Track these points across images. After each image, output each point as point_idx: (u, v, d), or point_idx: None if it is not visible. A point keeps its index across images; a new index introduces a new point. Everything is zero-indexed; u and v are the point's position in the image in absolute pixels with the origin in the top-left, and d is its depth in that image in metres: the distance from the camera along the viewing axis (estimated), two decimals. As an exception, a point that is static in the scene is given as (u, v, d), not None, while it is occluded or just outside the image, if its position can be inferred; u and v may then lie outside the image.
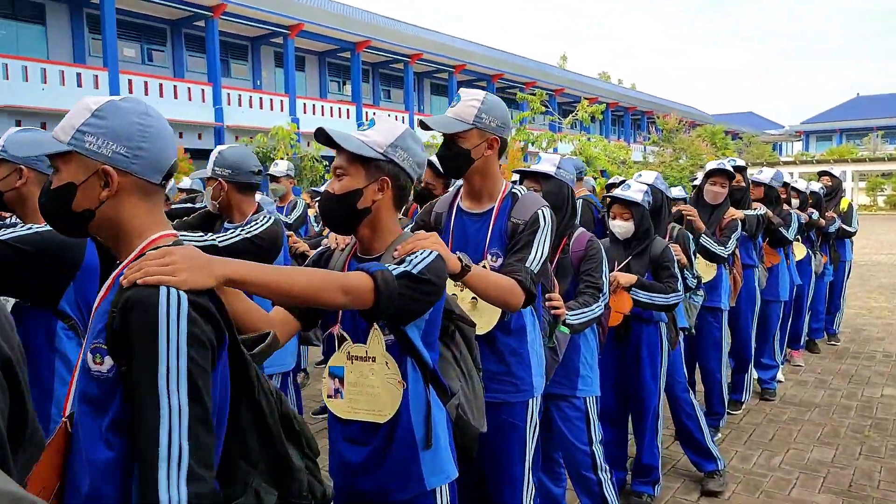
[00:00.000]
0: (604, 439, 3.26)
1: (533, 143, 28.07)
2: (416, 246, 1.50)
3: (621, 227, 3.02)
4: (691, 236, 3.44)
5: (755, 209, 4.27)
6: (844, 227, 6.10)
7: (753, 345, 4.51)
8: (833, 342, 6.39)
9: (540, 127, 33.94)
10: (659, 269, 2.99)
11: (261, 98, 22.78)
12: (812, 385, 5.08)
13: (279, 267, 1.33)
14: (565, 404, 2.53)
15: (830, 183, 6.26)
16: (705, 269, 3.88)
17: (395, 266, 1.42)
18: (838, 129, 58.44)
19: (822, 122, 60.81)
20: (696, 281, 3.38)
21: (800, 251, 5.53)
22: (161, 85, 19.76)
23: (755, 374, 4.87)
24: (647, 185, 3.41)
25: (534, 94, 27.92)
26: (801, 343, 5.73)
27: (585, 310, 2.38)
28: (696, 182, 4.41)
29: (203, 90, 20.88)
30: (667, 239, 3.43)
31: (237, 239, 2.36)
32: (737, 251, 4.07)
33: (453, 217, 2.08)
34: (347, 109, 26.00)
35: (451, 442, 1.60)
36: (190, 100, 20.44)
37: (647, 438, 3.16)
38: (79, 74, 18.01)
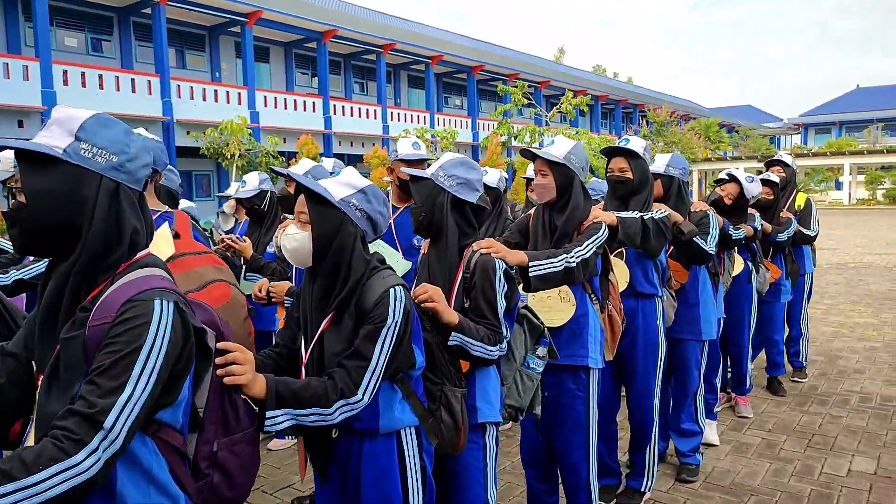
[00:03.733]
0: None
1: (516, 137, 26.79)
2: None
3: (290, 240, 1.68)
4: (501, 266, 2.06)
5: (657, 210, 2.88)
6: (802, 229, 4.72)
7: (656, 406, 3.12)
8: (797, 378, 5.01)
9: (524, 120, 32.56)
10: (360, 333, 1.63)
11: (216, 90, 21.38)
12: (755, 452, 3.70)
13: None
14: None
15: (783, 174, 4.89)
16: (559, 308, 2.50)
17: None
18: (837, 121, 56.98)
19: (820, 114, 59.36)
20: (502, 345, 2.01)
21: (735, 264, 4.16)
22: (101, 76, 18.38)
23: (672, 443, 3.51)
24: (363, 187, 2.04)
25: (515, 87, 26.65)
26: (748, 386, 4.35)
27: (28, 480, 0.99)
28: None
29: (150, 81, 19.49)
30: (460, 268, 2.06)
31: None
32: (613, 278, 2.68)
33: None
34: (314, 103, 24.59)
35: None
36: (134, 92, 19.08)
37: None
38: (6, 64, 16.59)
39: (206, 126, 18.63)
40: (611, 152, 2.99)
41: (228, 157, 18.50)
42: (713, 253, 3.17)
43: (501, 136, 26.93)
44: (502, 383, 2.19)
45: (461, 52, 30.57)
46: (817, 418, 4.20)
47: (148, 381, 1.11)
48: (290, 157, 20.85)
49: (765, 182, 4.53)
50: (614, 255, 2.96)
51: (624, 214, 2.71)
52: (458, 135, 25.18)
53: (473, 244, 2.09)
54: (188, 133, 19.72)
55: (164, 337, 1.14)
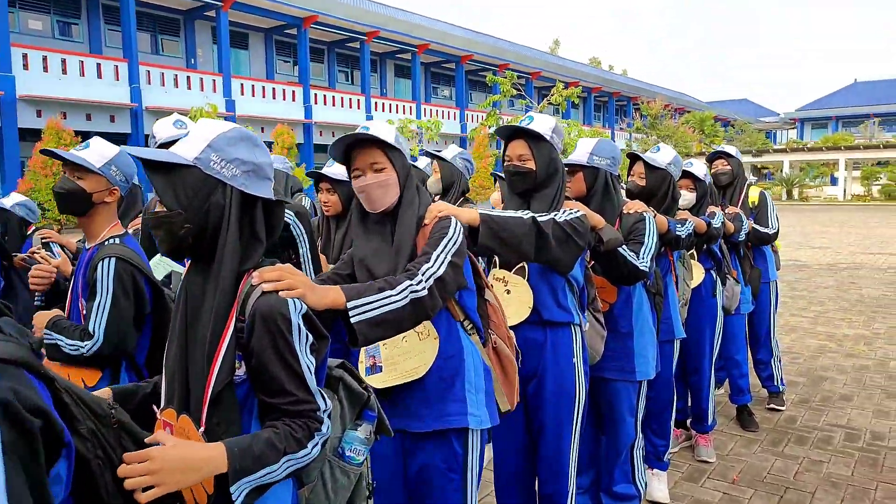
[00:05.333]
0: None
1: (504, 129, 25.96)
2: None
3: None
4: (298, 308, 1.32)
5: (567, 210, 2.14)
6: (758, 227, 4.01)
7: (572, 470, 2.39)
8: (774, 406, 4.30)
9: (514, 112, 31.75)
10: None
11: (188, 77, 20.58)
12: (713, 513, 2.99)
13: None
14: None
15: (727, 167, 4.14)
16: (418, 349, 1.77)
17: None
18: (834, 115, 56.29)
19: (817, 108, 58.64)
20: (322, 430, 1.31)
21: (695, 274, 3.44)
22: (64, 60, 17.55)
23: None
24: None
25: (505, 77, 25.88)
26: (710, 423, 3.63)
27: None
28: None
29: (117, 67, 18.65)
30: (233, 311, 1.34)
31: None
32: (490, 296, 1.94)
33: None
34: (294, 91, 23.79)
35: None
36: (100, 77, 18.24)
37: None
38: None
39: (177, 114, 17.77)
40: (509, 135, 2.25)
41: (198, 146, 17.69)
42: (647, 269, 2.42)
43: (490, 127, 26.15)
44: (301, 484, 1.46)
45: (449, 41, 29.75)
46: (793, 464, 3.48)
47: None
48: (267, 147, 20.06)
49: (685, 175, 3.72)
50: (514, 272, 2.23)
51: (503, 213, 1.99)
52: (441, 125, 24.43)
53: (254, 273, 1.35)
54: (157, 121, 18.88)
55: None
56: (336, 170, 2.81)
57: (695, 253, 3.55)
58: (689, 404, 3.77)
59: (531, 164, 2.17)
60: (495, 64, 31.76)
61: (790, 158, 37.39)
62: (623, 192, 2.86)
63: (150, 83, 19.39)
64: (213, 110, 17.47)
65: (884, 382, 4.83)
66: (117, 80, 18.63)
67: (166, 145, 2.64)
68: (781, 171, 37.76)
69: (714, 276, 3.57)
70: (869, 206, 31.36)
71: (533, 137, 2.17)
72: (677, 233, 2.88)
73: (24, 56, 16.83)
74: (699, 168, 3.52)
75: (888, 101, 53.09)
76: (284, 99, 23.39)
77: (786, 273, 10.38)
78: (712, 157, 4.22)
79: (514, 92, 26.47)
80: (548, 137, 2.17)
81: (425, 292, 1.59)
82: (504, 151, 2.25)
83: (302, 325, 1.32)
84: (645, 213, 2.53)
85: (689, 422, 3.78)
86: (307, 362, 1.30)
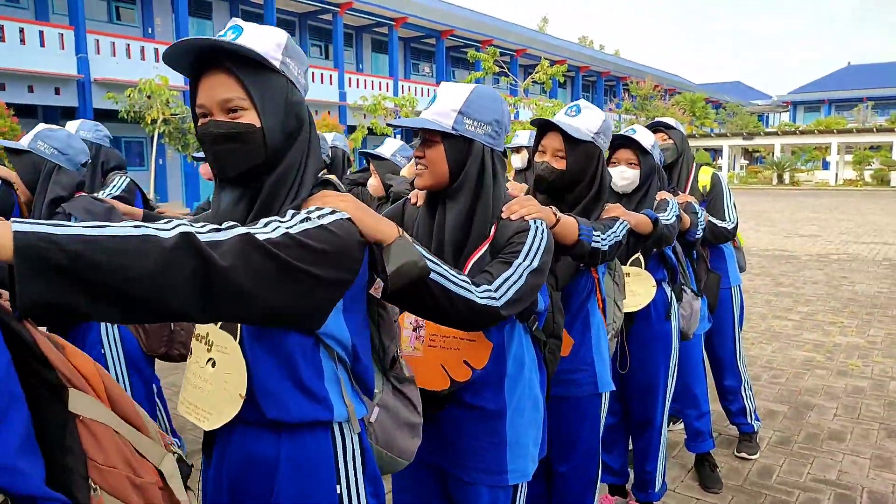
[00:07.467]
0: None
1: (487, 108, 24.73)
2: None
3: None
4: None
5: (321, 208, 1.10)
6: (713, 220, 3.03)
7: None
8: (745, 454, 3.30)
9: (498, 90, 30.58)
10: None
11: (142, 47, 19.20)
12: None
13: None
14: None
15: (669, 140, 3.07)
16: None
17: None
18: (827, 99, 55.33)
19: (810, 91, 57.64)
20: None
21: (643, 289, 2.44)
22: (1, 27, 16.16)
23: None
24: None
25: (487, 53, 24.65)
26: (657, 489, 2.63)
27: None
28: None
29: (62, 35, 17.29)
30: None
31: None
32: (94, 422, 0.91)
33: None
34: (260, 64, 22.41)
35: None
36: (43, 46, 16.87)
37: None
38: None
39: (127, 87, 16.53)
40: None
41: (149, 121, 16.46)
42: (499, 306, 1.29)
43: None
44: None
45: (428, 15, 28.38)
46: (763, 551, 2.49)
47: None
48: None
49: (625, 144, 2.65)
50: (221, 327, 1.16)
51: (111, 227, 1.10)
52: (417, 103, 23.17)
53: None
54: (108, 94, 17.61)
55: None
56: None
57: (642, 259, 2.52)
58: (629, 458, 2.78)
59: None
60: (478, 40, 30.47)
61: (782, 142, 36.46)
62: (510, 183, 1.86)
63: (99, 53, 18.06)
64: (164, 82, 16.19)
65: (883, 413, 3.85)
66: (63, 49, 17.28)
67: None
68: (773, 154, 36.81)
69: (668, 291, 2.54)
70: (861, 190, 30.49)
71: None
72: (593, 245, 1.79)
73: (-44, 21, 15.49)
74: (645, 136, 2.47)
75: (881, 84, 52.12)
76: (250, 73, 22.08)
77: (771, 265, 9.42)
78: (650, 129, 3.17)
79: (497, 69, 25.27)
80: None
81: None
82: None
83: None
84: (533, 222, 1.46)
85: (628, 486, 2.78)
86: None
